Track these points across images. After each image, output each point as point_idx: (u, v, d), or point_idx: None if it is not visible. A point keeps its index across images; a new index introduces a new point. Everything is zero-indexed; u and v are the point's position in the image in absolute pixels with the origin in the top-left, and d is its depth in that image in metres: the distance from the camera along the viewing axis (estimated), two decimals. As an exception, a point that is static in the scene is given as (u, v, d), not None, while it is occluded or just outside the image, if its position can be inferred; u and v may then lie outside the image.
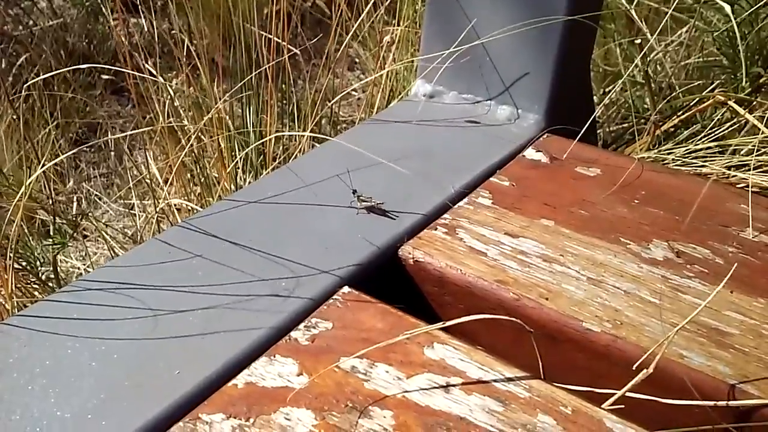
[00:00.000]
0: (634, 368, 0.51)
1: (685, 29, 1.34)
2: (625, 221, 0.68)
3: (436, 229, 0.67)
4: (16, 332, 0.55)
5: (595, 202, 0.70)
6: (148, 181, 1.22)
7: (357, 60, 2.03)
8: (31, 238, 0.86)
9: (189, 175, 1.22)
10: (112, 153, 1.76)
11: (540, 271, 0.62)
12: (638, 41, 0.86)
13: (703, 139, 0.86)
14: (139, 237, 1.22)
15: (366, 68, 1.97)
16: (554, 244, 0.65)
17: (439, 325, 0.51)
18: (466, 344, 0.53)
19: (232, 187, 1.13)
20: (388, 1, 1.27)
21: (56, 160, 0.83)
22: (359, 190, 0.70)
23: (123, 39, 2.00)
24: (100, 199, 1.57)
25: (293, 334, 0.55)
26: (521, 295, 0.59)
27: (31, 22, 2.03)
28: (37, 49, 1.92)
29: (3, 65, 1.81)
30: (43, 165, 0.66)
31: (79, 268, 1.26)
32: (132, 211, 1.47)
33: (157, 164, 1.16)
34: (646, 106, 1.11)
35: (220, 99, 1.11)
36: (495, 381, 0.51)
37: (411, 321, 0.56)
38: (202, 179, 1.17)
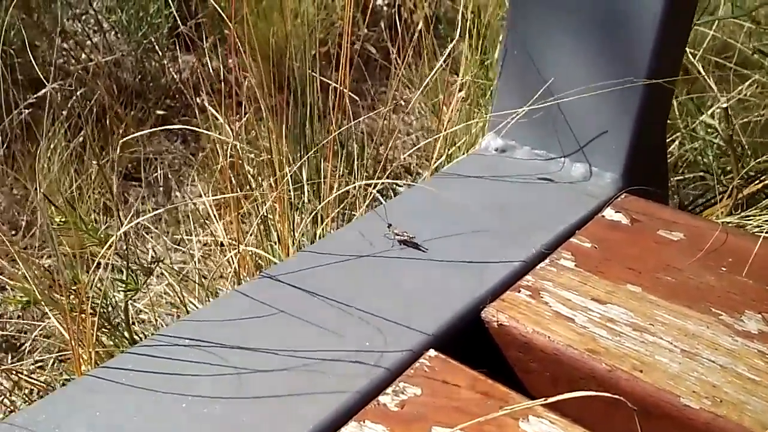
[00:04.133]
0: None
1: (746, 84, 1.32)
2: (714, 290, 0.66)
3: (519, 291, 0.65)
4: (101, 385, 0.54)
5: (681, 269, 0.69)
6: (205, 220, 1.22)
7: (402, 102, 2.03)
8: (102, 283, 0.86)
9: (235, 213, 1.21)
10: (161, 189, 1.77)
11: (631, 340, 0.60)
12: (724, 103, 0.84)
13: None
14: (200, 278, 1.22)
15: (410, 111, 1.97)
16: (642, 311, 0.63)
17: (542, 401, 0.49)
18: (563, 419, 0.52)
19: (288, 229, 1.12)
20: (448, 52, 1.27)
21: (142, 219, 0.83)
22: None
23: (176, 76, 2.03)
24: (148, 233, 1.58)
25: (381, 399, 0.53)
26: (614, 367, 0.57)
27: (84, 56, 2.07)
28: (90, 84, 1.96)
29: (58, 99, 1.84)
30: (129, 221, 0.66)
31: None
32: (179, 247, 1.48)
33: (219, 212, 1.16)
34: (719, 165, 1.08)
35: (275, 141, 1.11)
36: (594, 459, 0.49)
37: (503, 390, 0.54)
38: (259, 222, 1.16)
